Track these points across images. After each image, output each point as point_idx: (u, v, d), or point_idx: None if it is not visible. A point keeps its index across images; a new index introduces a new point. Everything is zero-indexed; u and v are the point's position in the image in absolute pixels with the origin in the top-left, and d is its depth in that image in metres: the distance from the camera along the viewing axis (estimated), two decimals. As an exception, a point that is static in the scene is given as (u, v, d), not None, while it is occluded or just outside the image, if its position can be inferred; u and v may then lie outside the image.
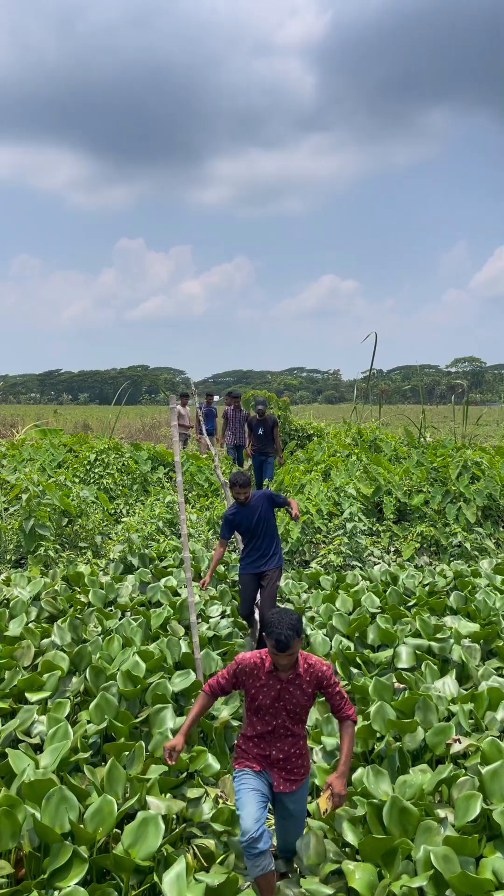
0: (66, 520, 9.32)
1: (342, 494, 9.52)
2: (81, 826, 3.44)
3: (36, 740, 4.73)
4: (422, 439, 12.31)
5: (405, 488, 9.87)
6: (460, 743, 4.32)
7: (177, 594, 7.49)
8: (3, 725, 4.75)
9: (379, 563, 8.85)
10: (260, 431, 11.15)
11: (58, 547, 8.60)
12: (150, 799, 3.90)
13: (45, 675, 5.31)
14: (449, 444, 11.34)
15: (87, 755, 4.37)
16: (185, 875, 3.24)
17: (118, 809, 3.64)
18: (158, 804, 3.87)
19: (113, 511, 10.33)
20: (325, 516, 9.34)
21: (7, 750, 4.16)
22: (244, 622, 6.73)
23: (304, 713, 3.49)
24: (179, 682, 5.29)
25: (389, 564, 8.81)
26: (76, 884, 3.16)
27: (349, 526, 8.77)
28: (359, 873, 3.20)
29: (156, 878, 3.32)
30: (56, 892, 3.19)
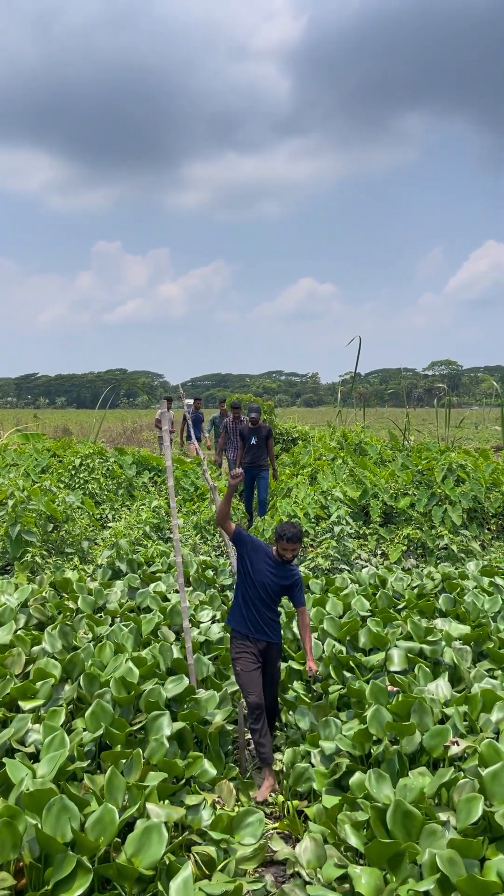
0: (52, 525, 9.25)
1: (329, 498, 9.54)
2: (83, 835, 3.41)
3: (31, 749, 4.68)
4: (406, 442, 12.37)
5: (391, 491, 9.92)
6: (458, 745, 4.34)
7: (166, 599, 7.46)
8: (-4, 735, 4.69)
9: (367, 566, 8.87)
10: (253, 441, 10.50)
11: (44, 553, 8.53)
12: (150, 807, 3.87)
13: (38, 683, 5.26)
14: (433, 447, 11.41)
15: (84, 764, 4.33)
16: (191, 883, 3.23)
17: (119, 818, 3.62)
18: (158, 811, 3.85)
19: (99, 516, 10.27)
20: (313, 520, 9.35)
21: (4, 760, 4.10)
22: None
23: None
24: (173, 687, 5.26)
25: (377, 567, 8.83)
26: (80, 895, 3.13)
27: (337, 529, 8.79)
28: (365, 878, 3.21)
29: (159, 887, 3.30)
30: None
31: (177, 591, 7.78)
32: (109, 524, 9.96)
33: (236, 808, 4.26)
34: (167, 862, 3.53)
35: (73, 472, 10.93)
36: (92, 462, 11.24)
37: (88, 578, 8.30)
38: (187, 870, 3.28)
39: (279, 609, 5.36)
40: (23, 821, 3.49)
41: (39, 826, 3.46)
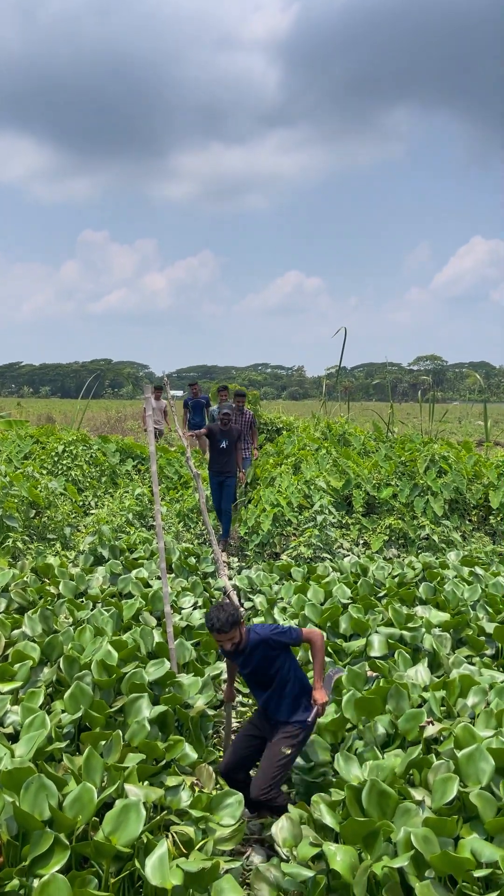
0: (34, 512, 9.22)
1: (312, 487, 9.58)
2: (61, 813, 3.41)
3: (9, 730, 4.68)
4: (390, 434, 12.43)
5: (374, 482, 9.96)
6: (433, 725, 4.37)
7: (148, 585, 7.46)
8: (-26, 716, 4.69)
9: (348, 555, 8.92)
10: (223, 445, 9.48)
11: (26, 538, 8.50)
12: (128, 787, 3.88)
13: (16, 665, 5.25)
14: (417, 439, 11.47)
15: (63, 745, 4.33)
16: (167, 859, 3.24)
17: (97, 797, 3.63)
18: (137, 792, 3.85)
19: (82, 503, 10.25)
20: (296, 509, 9.38)
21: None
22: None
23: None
24: (154, 671, 5.27)
25: (359, 557, 8.88)
26: (57, 871, 3.14)
27: (319, 518, 8.83)
28: (340, 855, 3.24)
29: (136, 864, 3.31)
30: (37, 880, 3.16)
31: (159, 578, 7.78)
32: (92, 511, 9.94)
33: (215, 791, 4.28)
34: (145, 840, 3.54)
35: (55, 459, 10.89)
36: (75, 449, 11.21)
37: (70, 564, 8.29)
38: (163, 846, 3.30)
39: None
40: (1, 799, 3.49)
41: (17, 804, 3.47)
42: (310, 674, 4.57)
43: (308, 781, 4.51)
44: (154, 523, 9.62)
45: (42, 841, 3.25)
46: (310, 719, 4.29)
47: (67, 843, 3.28)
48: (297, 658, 4.87)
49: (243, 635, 4.22)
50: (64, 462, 10.76)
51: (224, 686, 5.13)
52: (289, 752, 4.15)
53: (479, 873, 3.07)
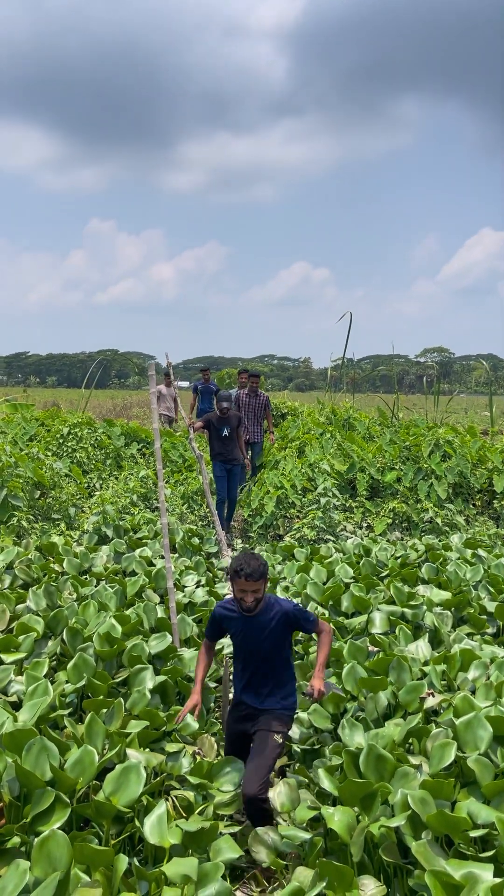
0: (39, 493, 9.27)
1: (316, 470, 9.60)
2: (63, 772, 3.46)
3: (13, 699, 4.73)
4: (394, 419, 12.43)
5: (378, 465, 9.98)
6: (434, 697, 4.41)
7: (152, 564, 7.50)
8: (-21, 684, 4.74)
9: (352, 537, 8.94)
10: (225, 433, 9.22)
11: (31, 517, 8.55)
12: (129, 752, 3.92)
13: (21, 637, 5.30)
14: (421, 424, 11.47)
15: (66, 712, 4.39)
16: (166, 819, 3.28)
17: (98, 760, 3.67)
18: (138, 756, 3.90)
19: (86, 485, 10.30)
20: (300, 492, 9.40)
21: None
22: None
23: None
24: (156, 644, 5.31)
25: (362, 539, 8.90)
26: (59, 828, 3.18)
27: (323, 500, 8.85)
28: (338, 815, 3.26)
29: (137, 824, 3.36)
30: (37, 837, 3.21)
31: (162, 557, 7.83)
32: (97, 493, 9.99)
33: (217, 760, 4.32)
34: (145, 803, 3.59)
35: (60, 441, 10.94)
36: (80, 431, 11.25)
37: (75, 543, 8.34)
38: (162, 807, 3.34)
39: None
40: (3, 760, 3.54)
41: (19, 764, 3.51)
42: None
43: (306, 749, 4.54)
44: (158, 505, 9.67)
45: (43, 799, 3.30)
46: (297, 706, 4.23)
47: (68, 800, 3.32)
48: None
49: (264, 595, 3.97)
50: (69, 444, 10.81)
51: (224, 664, 5.12)
52: (281, 741, 3.93)
53: (474, 833, 3.10)
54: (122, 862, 2.97)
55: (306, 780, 4.03)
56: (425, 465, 9.90)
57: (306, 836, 3.44)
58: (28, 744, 3.60)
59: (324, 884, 2.98)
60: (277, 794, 3.81)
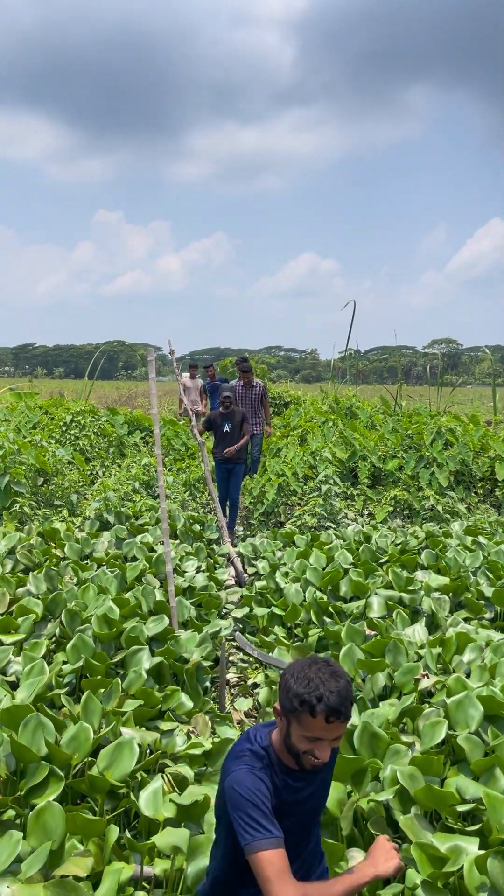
0: (42, 480, 9.32)
1: (318, 458, 9.62)
2: (58, 747, 3.51)
3: (11, 678, 4.78)
4: (397, 408, 12.44)
5: (380, 453, 9.99)
6: (428, 678, 4.44)
7: (152, 550, 7.54)
8: (-22, 665, 4.79)
9: (353, 524, 8.97)
10: (226, 429, 8.77)
11: (33, 503, 8.61)
12: (124, 729, 3.97)
13: (20, 619, 5.37)
14: (424, 412, 11.47)
15: (63, 691, 4.44)
16: (161, 793, 3.33)
17: (94, 737, 3.72)
18: (132, 734, 3.95)
19: (89, 472, 10.34)
20: (301, 479, 9.43)
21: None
22: None
23: None
24: (154, 626, 5.36)
25: (363, 526, 8.93)
26: (53, 800, 3.22)
27: (324, 488, 8.87)
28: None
29: (132, 798, 3.40)
30: (31, 811, 3.26)
31: (163, 543, 7.88)
32: (100, 479, 10.04)
33: (212, 739, 4.36)
34: (139, 779, 3.64)
35: (63, 429, 10.99)
36: (83, 419, 11.29)
37: (76, 529, 8.39)
38: (158, 781, 3.38)
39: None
40: (0, 734, 3.59)
41: (15, 738, 3.56)
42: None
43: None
44: (157, 483, 9.73)
45: (38, 772, 3.35)
46: None
47: (62, 774, 3.37)
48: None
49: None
50: (72, 432, 10.86)
51: (222, 645, 5.16)
52: None
53: (462, 808, 3.13)
54: (114, 832, 3.01)
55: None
56: (427, 454, 9.91)
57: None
58: (24, 720, 3.65)
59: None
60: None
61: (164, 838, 2.98)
